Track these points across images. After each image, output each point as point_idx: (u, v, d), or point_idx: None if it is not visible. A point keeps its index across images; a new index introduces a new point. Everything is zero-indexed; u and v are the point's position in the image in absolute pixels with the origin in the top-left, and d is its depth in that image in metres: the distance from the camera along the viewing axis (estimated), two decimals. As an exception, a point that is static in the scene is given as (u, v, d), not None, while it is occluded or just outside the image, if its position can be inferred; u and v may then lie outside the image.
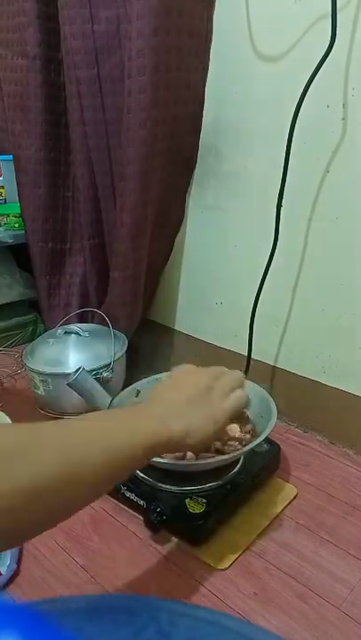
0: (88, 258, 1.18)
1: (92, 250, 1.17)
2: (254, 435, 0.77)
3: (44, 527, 0.43)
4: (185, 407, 0.56)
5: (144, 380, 0.88)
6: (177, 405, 0.56)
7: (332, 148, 0.84)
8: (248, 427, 0.78)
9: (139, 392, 0.87)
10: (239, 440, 0.75)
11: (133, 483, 0.77)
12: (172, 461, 0.74)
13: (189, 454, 0.72)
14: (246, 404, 0.62)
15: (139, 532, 0.75)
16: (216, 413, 0.58)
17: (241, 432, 0.77)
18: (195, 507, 0.71)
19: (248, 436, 0.77)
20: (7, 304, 1.35)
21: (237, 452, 0.72)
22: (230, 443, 0.75)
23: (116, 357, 1.00)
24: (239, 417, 0.65)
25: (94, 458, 0.44)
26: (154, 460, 0.73)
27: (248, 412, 0.79)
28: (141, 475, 0.77)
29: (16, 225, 1.24)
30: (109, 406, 0.81)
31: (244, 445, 0.73)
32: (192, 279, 1.16)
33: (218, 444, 0.74)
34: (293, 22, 0.83)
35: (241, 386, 0.64)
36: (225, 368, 0.65)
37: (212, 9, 0.93)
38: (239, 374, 0.65)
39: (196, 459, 0.75)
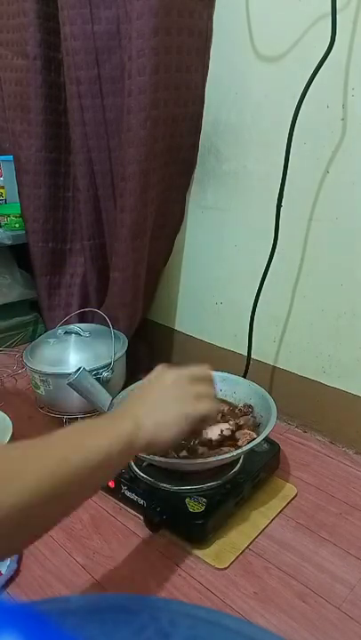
0: (88, 258, 1.18)
1: (92, 250, 1.17)
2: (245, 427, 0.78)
3: (44, 530, 0.46)
4: (157, 406, 0.58)
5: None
6: (149, 405, 0.58)
7: (332, 148, 0.84)
8: (231, 423, 0.79)
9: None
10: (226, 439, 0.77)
11: (133, 482, 0.77)
12: (172, 461, 0.74)
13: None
14: (213, 408, 0.64)
15: (139, 531, 0.75)
16: (188, 410, 0.59)
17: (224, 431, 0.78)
18: (195, 506, 0.72)
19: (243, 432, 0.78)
20: (7, 304, 1.35)
21: (237, 452, 0.72)
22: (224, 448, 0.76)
23: (116, 357, 1.00)
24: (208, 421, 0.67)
25: (75, 470, 0.46)
26: (154, 459, 0.73)
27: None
28: (141, 474, 0.77)
29: (16, 225, 1.24)
30: (109, 406, 0.81)
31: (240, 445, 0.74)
32: (192, 279, 1.17)
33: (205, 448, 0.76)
34: (293, 22, 0.83)
35: (212, 390, 0.66)
36: (196, 368, 0.66)
37: (212, 9, 0.93)
38: (208, 372, 0.67)
39: (196, 457, 0.75)
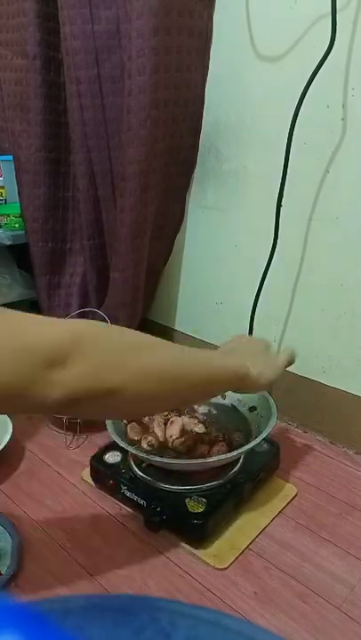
0: (88, 258, 1.18)
1: (92, 250, 1.17)
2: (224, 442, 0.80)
3: (160, 406, 0.65)
4: (256, 357, 0.71)
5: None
6: (250, 355, 0.71)
7: (332, 148, 0.84)
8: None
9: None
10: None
11: (133, 482, 0.77)
12: (172, 461, 0.74)
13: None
14: (294, 356, 0.77)
15: (139, 531, 0.75)
16: (277, 364, 0.73)
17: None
18: (195, 506, 0.72)
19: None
20: (7, 304, 1.35)
21: (237, 451, 0.72)
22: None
23: (116, 357, 1.00)
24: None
25: (197, 370, 0.60)
26: (154, 459, 0.73)
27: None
28: (141, 474, 0.77)
29: (16, 225, 1.24)
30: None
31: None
32: (192, 279, 1.16)
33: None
34: (293, 22, 0.83)
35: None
36: (266, 341, 0.80)
37: (212, 9, 0.93)
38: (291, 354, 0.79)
39: (193, 458, 0.75)
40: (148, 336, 0.59)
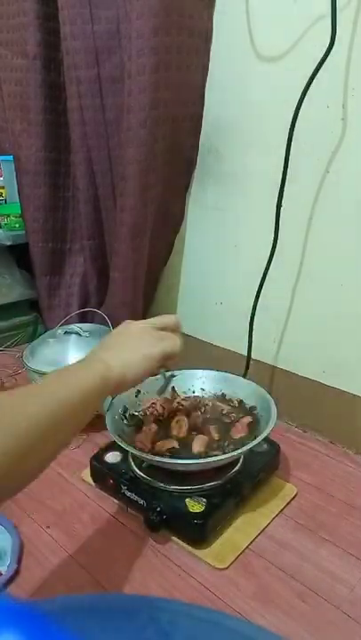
0: (88, 258, 1.18)
1: (92, 250, 1.17)
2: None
3: (41, 466, 0.51)
4: (122, 349, 0.64)
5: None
6: (115, 349, 0.64)
7: (332, 148, 0.84)
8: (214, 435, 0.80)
9: (139, 392, 0.87)
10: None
11: (133, 482, 0.77)
12: (171, 461, 0.74)
13: (197, 447, 0.75)
14: (177, 346, 0.68)
15: (139, 531, 0.75)
16: (150, 351, 0.65)
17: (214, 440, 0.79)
18: (195, 506, 0.72)
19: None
20: (7, 304, 1.35)
21: (237, 452, 0.72)
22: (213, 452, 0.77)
23: (116, 357, 1.00)
24: (171, 358, 0.70)
25: (61, 405, 0.52)
26: (154, 459, 0.73)
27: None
28: (141, 474, 0.77)
29: (16, 225, 1.24)
30: (109, 407, 0.81)
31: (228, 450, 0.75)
32: (192, 279, 1.16)
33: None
34: (293, 22, 0.83)
35: (178, 329, 0.71)
36: (161, 317, 0.72)
37: (212, 9, 0.93)
38: (174, 318, 0.72)
39: (195, 457, 0.75)
40: (6, 399, 0.51)
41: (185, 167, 1.06)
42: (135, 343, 0.66)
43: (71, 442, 0.59)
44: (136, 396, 0.87)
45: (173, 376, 0.86)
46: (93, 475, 0.83)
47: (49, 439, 0.49)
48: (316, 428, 1.00)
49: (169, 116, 0.95)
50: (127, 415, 0.85)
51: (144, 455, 0.73)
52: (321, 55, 0.77)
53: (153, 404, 0.87)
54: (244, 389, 0.87)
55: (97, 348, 0.67)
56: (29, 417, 0.47)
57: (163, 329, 0.69)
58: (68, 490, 0.84)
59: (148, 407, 0.87)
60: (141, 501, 0.75)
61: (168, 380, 0.85)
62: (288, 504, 0.80)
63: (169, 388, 0.87)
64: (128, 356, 0.63)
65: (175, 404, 0.87)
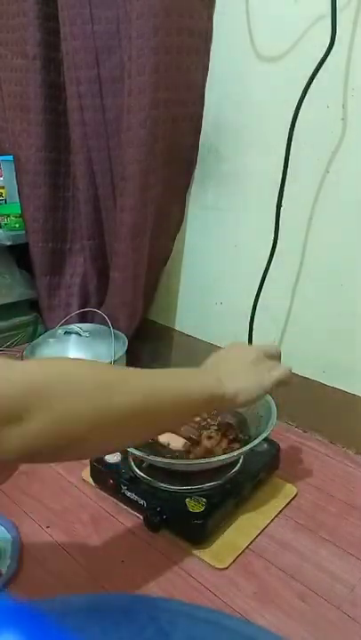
0: (88, 258, 1.18)
1: (92, 250, 1.17)
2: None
3: (130, 442, 0.60)
4: (237, 373, 0.66)
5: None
6: (231, 371, 0.66)
7: (332, 148, 0.84)
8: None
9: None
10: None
11: (133, 482, 0.77)
12: (172, 461, 0.74)
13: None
14: (290, 376, 0.70)
15: (139, 531, 0.75)
16: (264, 381, 0.67)
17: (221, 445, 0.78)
18: (195, 506, 0.72)
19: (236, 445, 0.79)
20: (7, 304, 1.35)
21: (237, 452, 0.72)
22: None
23: (116, 357, 1.00)
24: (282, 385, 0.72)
25: (169, 399, 0.56)
26: (154, 459, 0.73)
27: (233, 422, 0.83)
28: (141, 474, 0.77)
29: (16, 225, 1.24)
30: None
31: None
32: (192, 279, 1.16)
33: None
34: (293, 22, 0.83)
35: (279, 359, 0.74)
36: (266, 345, 0.76)
37: (212, 9, 0.93)
38: (278, 348, 0.75)
39: (195, 458, 0.75)
40: (118, 369, 0.57)
41: (185, 167, 1.06)
42: (252, 370, 0.67)
43: (160, 432, 0.67)
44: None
45: None
46: (93, 475, 0.83)
47: (140, 420, 0.52)
48: (317, 427, 1.00)
49: (169, 116, 0.95)
50: None
51: (144, 455, 0.73)
52: (321, 55, 0.77)
53: None
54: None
55: (213, 364, 0.69)
56: (128, 393, 0.51)
57: (269, 357, 0.71)
58: (68, 490, 0.84)
59: None
60: (141, 501, 0.75)
61: None
62: (288, 504, 0.80)
63: None
64: (243, 381, 0.64)
65: None
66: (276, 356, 0.72)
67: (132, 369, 0.57)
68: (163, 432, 0.71)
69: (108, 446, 0.56)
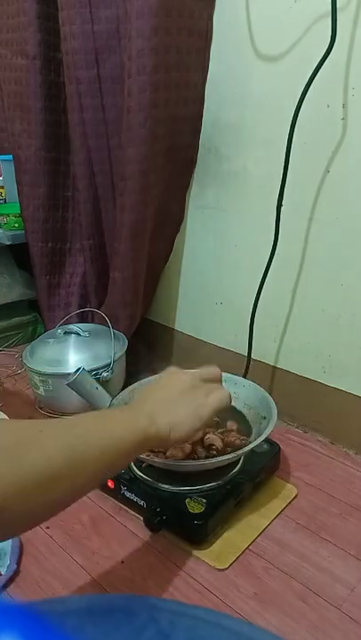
0: (88, 258, 1.18)
1: (91, 250, 1.17)
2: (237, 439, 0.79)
3: (52, 512, 0.47)
4: (170, 405, 0.60)
5: (144, 381, 0.88)
6: (163, 404, 0.60)
7: (332, 148, 0.84)
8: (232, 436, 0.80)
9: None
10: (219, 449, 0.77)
11: (133, 483, 0.77)
12: (172, 461, 0.74)
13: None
14: (229, 400, 0.65)
15: (139, 531, 0.75)
16: (200, 410, 0.62)
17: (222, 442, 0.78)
18: (195, 507, 0.71)
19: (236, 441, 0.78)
20: (7, 304, 1.35)
21: (237, 453, 0.72)
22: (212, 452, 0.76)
23: (115, 357, 1.00)
24: (224, 412, 0.68)
25: (93, 453, 0.49)
26: (154, 460, 0.73)
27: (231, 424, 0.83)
28: (141, 475, 0.77)
29: (16, 225, 1.24)
30: (109, 406, 0.81)
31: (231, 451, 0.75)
32: (192, 279, 1.16)
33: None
34: (293, 22, 0.83)
35: (220, 381, 0.69)
36: (205, 369, 0.69)
37: (212, 9, 0.93)
38: (218, 372, 0.69)
39: (197, 459, 0.75)
40: (31, 423, 0.48)
41: (185, 167, 1.06)
42: (186, 400, 0.61)
43: (91, 490, 0.53)
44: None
45: None
46: (93, 475, 0.83)
47: (62, 479, 0.44)
48: (317, 428, 1.00)
49: (169, 116, 0.95)
50: None
51: (144, 456, 0.73)
52: (321, 55, 0.77)
53: None
54: (245, 389, 0.87)
55: (144, 397, 0.63)
56: (45, 449, 0.44)
57: (208, 380, 0.66)
58: (68, 490, 0.84)
59: None
60: (141, 502, 0.75)
61: None
62: (288, 504, 0.80)
63: None
64: (176, 414, 0.59)
65: None
66: (215, 379, 0.68)
67: (49, 424, 0.50)
68: (102, 482, 0.63)
69: (31, 518, 0.45)
